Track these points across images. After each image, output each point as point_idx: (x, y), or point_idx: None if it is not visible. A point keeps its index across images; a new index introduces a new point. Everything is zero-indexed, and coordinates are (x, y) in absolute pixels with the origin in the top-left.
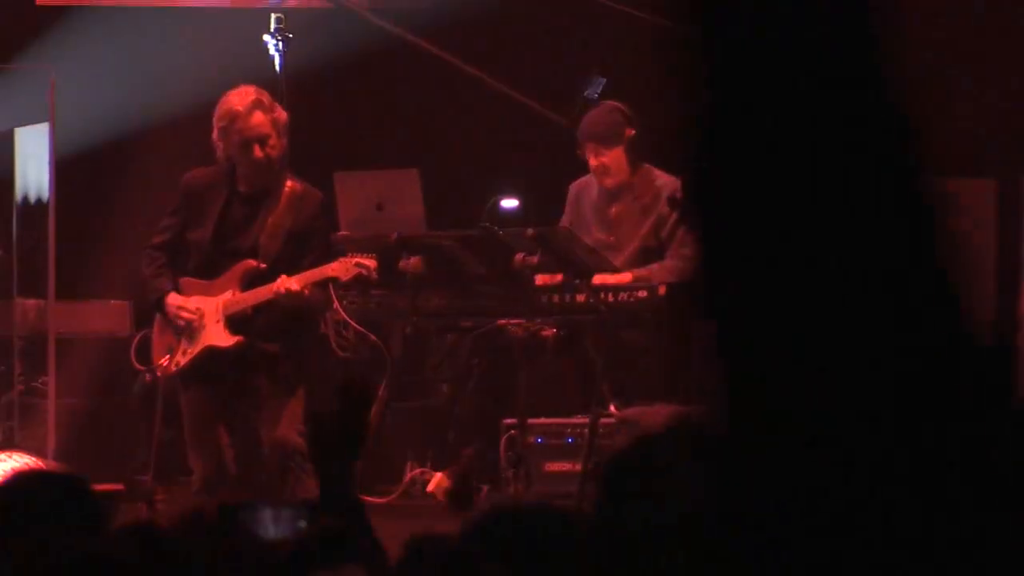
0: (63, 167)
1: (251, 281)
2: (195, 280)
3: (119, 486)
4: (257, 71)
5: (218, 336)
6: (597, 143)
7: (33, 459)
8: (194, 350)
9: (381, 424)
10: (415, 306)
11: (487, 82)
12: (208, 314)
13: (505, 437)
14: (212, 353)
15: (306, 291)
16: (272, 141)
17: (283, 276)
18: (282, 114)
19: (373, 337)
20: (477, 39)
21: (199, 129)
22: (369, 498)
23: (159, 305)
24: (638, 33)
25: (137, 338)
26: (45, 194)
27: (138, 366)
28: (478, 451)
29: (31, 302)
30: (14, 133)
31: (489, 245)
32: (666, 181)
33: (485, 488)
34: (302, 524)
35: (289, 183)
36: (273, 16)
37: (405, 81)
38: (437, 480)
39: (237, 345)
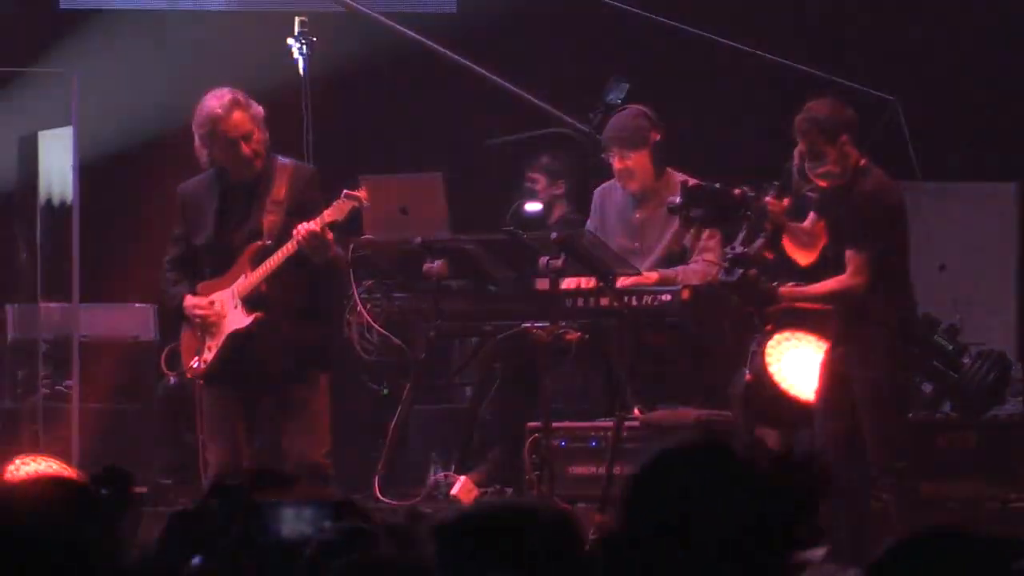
0: (86, 170)
1: (260, 260)
2: (211, 281)
3: (143, 489)
4: (281, 75)
5: (237, 320)
6: (622, 146)
7: (57, 463)
8: (217, 342)
9: (405, 427)
10: (439, 309)
11: (509, 90)
12: (225, 303)
13: (529, 440)
14: (235, 340)
15: (328, 234)
16: (256, 136)
17: (298, 225)
18: (258, 109)
19: (397, 340)
20: (502, 44)
21: None
22: (393, 501)
23: (180, 311)
24: (659, 37)
25: (167, 349)
26: (69, 197)
27: (168, 372)
28: (502, 454)
29: (55, 305)
30: (37, 137)
31: (513, 249)
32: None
33: (510, 491)
34: (326, 523)
35: (279, 163)
36: (297, 20)
37: (429, 85)
38: (461, 484)
39: (255, 322)
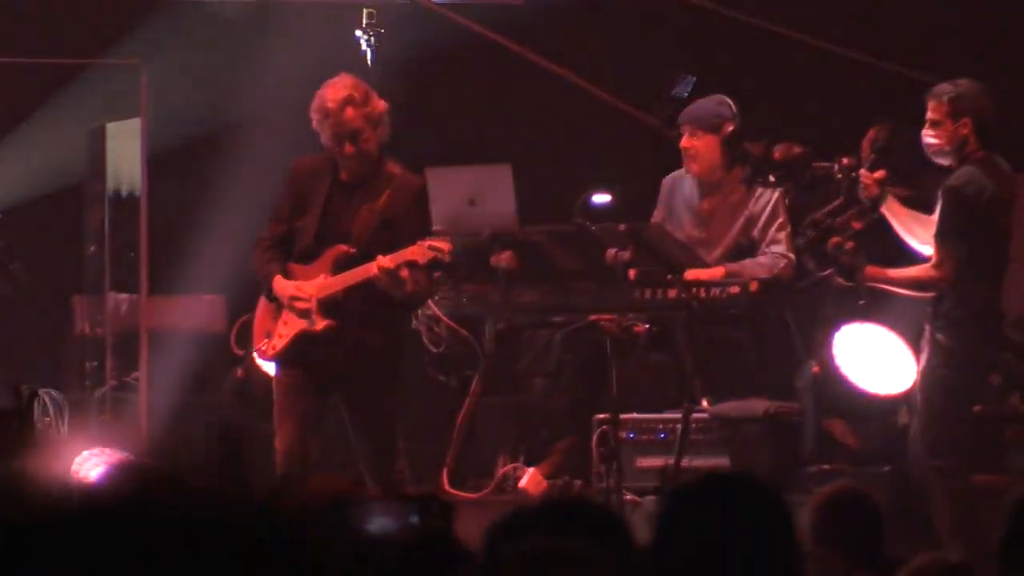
0: (154, 162)
1: (342, 266)
2: (297, 266)
3: None
4: (349, 66)
5: (309, 321)
6: (694, 125)
7: (125, 455)
8: (289, 334)
9: (474, 419)
10: (507, 301)
11: (576, 83)
12: (302, 301)
13: (597, 432)
14: (305, 338)
15: (403, 273)
16: (365, 135)
17: (379, 256)
18: (378, 104)
19: (465, 332)
20: (568, 36)
21: (290, 123)
22: (462, 493)
23: (269, 291)
24: (729, 33)
25: (237, 324)
26: (137, 189)
27: (237, 350)
28: (570, 446)
29: (123, 297)
30: (105, 128)
31: (581, 240)
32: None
33: (578, 483)
34: (413, 520)
35: (389, 169)
36: (365, 11)
37: (498, 76)
38: (530, 476)
39: (328, 329)
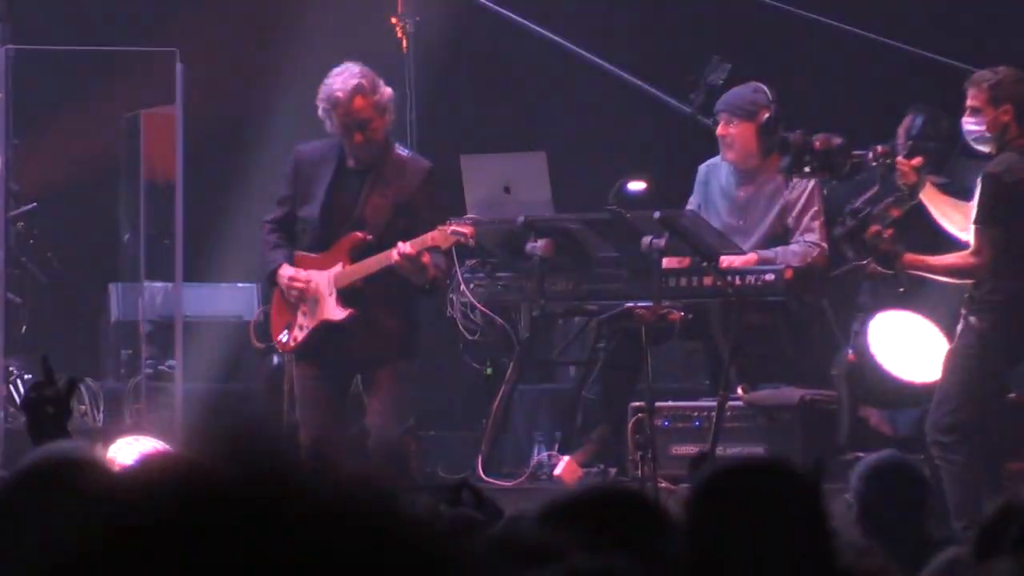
0: (190, 150)
1: (360, 254)
2: (307, 255)
3: None
4: (384, 53)
5: (331, 310)
6: (730, 113)
7: (160, 443)
8: (310, 325)
9: (508, 407)
10: (542, 289)
11: (611, 70)
12: (321, 287)
13: (632, 420)
14: (328, 328)
15: (424, 258)
16: (374, 124)
17: (399, 243)
18: (385, 92)
19: (500, 320)
20: (604, 22)
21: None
22: (497, 481)
23: (272, 278)
24: (765, 20)
25: (256, 316)
26: (172, 177)
27: (257, 344)
28: (606, 434)
29: (159, 285)
30: (140, 116)
31: (616, 228)
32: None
33: (613, 471)
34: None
35: (395, 155)
36: None
37: (532, 63)
38: (565, 464)
39: (350, 317)
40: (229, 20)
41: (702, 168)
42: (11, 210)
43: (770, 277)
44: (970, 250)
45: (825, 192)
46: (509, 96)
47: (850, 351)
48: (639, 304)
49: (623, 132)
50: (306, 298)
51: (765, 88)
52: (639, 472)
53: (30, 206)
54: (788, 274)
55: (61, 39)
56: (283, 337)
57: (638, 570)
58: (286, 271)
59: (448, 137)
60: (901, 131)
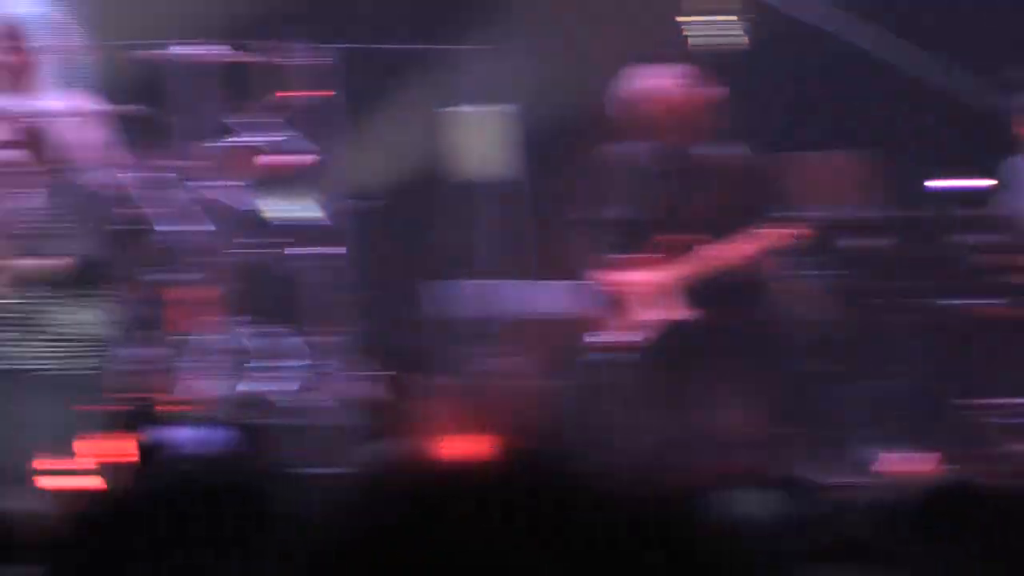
0: (522, 147)
1: (691, 253)
2: (637, 257)
3: None
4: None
5: (670, 309)
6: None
7: (493, 438)
8: (647, 322)
9: (835, 405)
10: (866, 286)
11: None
12: (654, 289)
13: (964, 416)
14: (667, 328)
15: (758, 256)
16: (696, 123)
17: (734, 243)
18: (706, 91)
19: (825, 318)
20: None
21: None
22: (822, 479)
23: (604, 282)
24: None
25: (589, 317)
26: (494, 175)
27: (591, 344)
28: (935, 431)
29: (492, 283)
30: (458, 114)
31: (936, 225)
32: None
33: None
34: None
35: (721, 150)
36: None
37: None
38: (891, 461)
39: (684, 319)
40: (553, 16)
41: (1008, 165)
42: (357, 207)
43: None
44: None
45: None
46: (826, 95)
47: None
48: (968, 300)
49: (928, 131)
50: (638, 300)
51: None
52: (972, 469)
53: (375, 201)
54: None
55: (394, 38)
56: (620, 336)
57: None
58: (617, 276)
59: (767, 136)
60: None
